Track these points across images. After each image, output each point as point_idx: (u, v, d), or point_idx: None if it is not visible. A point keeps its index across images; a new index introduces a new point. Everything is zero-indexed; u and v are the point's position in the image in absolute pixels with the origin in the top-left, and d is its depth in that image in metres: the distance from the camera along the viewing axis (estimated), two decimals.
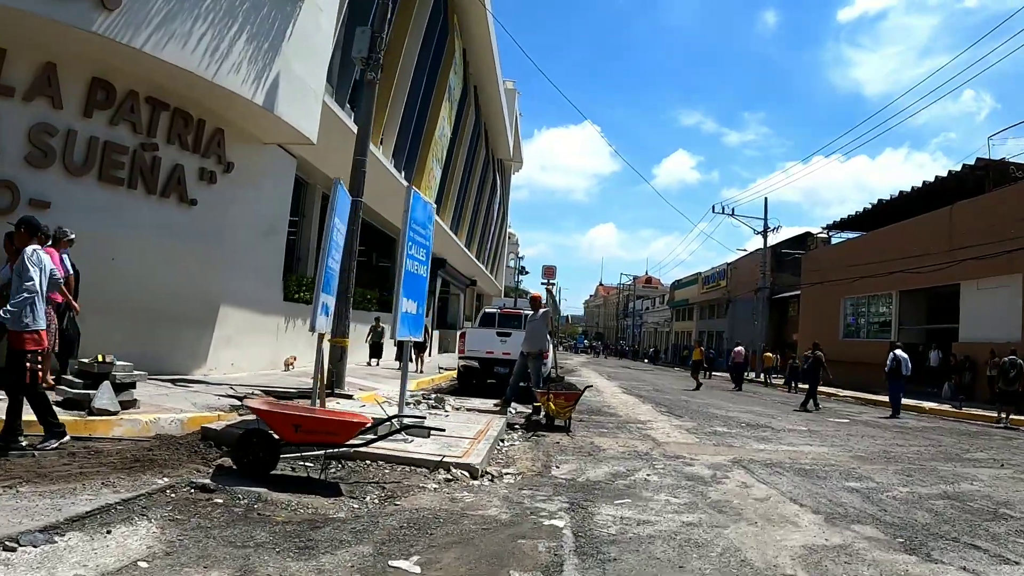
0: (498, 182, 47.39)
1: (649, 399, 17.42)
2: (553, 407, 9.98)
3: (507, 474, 6.70)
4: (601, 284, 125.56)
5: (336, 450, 6.17)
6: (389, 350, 22.03)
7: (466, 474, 6.32)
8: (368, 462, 6.51)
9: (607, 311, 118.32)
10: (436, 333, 31.69)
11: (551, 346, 15.30)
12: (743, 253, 44.68)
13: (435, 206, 8.83)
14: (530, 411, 11.19)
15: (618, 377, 28.37)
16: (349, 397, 11.60)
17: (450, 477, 6.18)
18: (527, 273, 78.16)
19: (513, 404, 12.24)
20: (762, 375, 35.63)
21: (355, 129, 17.36)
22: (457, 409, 11.03)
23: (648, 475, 7.14)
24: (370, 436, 6.22)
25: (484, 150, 38.98)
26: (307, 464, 6.21)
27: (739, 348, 28.95)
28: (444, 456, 6.58)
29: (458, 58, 28.55)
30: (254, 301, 14.31)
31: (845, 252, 33.83)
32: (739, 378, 27.41)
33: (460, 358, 14.94)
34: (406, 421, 7.10)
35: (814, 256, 37.40)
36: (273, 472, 5.70)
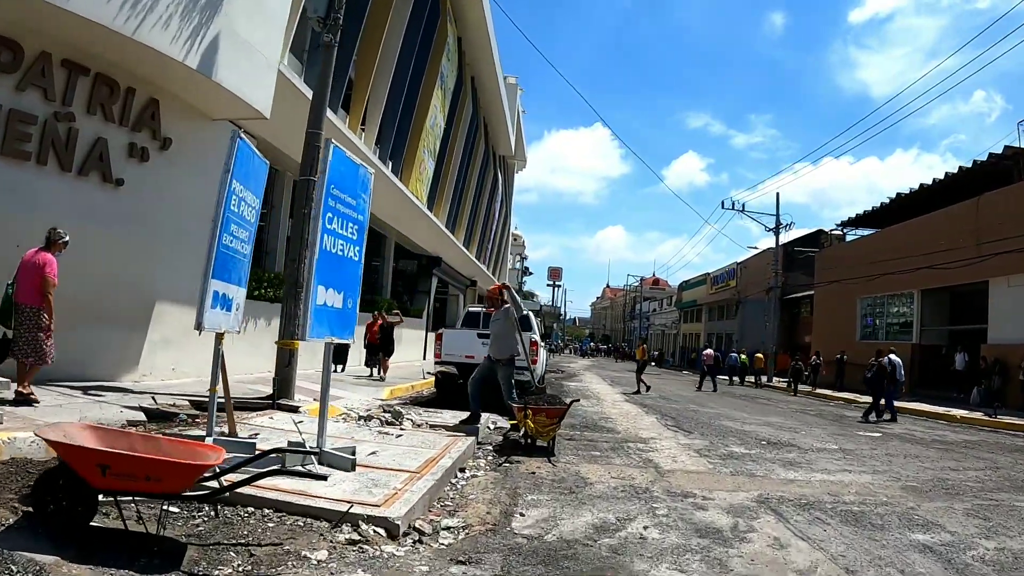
0: (499, 180, 45.44)
1: (654, 409, 15.42)
2: (532, 425, 8.02)
3: (446, 529, 4.75)
4: (608, 286, 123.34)
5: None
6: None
7: (381, 532, 4.39)
8: (251, 509, 4.59)
9: (614, 313, 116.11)
10: (431, 336, 29.73)
11: (543, 351, 13.39)
12: (754, 251, 42.55)
13: (371, 171, 6.88)
14: (509, 427, 9.28)
15: (622, 383, 26.33)
16: (295, 410, 9.70)
17: (357, 537, 4.25)
18: (531, 274, 76.17)
19: (492, 418, 10.33)
20: (774, 379, 33.73)
21: (337, 122, 15.65)
22: (418, 426, 9.09)
23: (646, 527, 5.17)
24: (238, 477, 4.30)
25: (483, 145, 37.07)
26: (171, 508, 4.32)
27: (708, 351, 28.88)
28: (357, 503, 4.65)
29: (452, 44, 26.68)
30: None
31: (862, 249, 31.68)
32: (712, 379, 26.94)
33: (436, 363, 13.00)
34: (328, 454, 5.18)
35: (828, 254, 35.26)
36: (94, 524, 3.83)
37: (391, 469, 5.98)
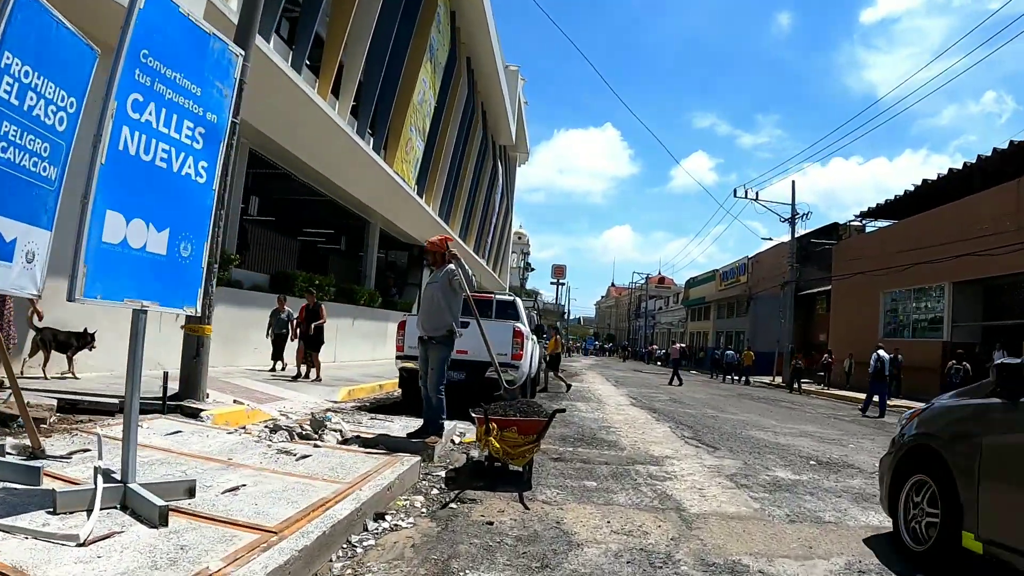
0: (500, 171, 42.86)
1: (666, 415, 12.80)
2: (498, 445, 5.46)
3: None
4: (613, 285, 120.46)
5: None
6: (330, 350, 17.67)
7: None
8: None
9: (619, 312, 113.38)
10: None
11: (532, 345, 10.96)
12: (769, 244, 39.80)
13: (238, 53, 4.31)
14: (474, 442, 6.76)
15: (628, 383, 23.75)
16: (195, 415, 7.21)
17: None
18: (532, 270, 73.60)
19: (461, 428, 7.84)
20: (789, 379, 31.18)
21: (282, 66, 13.17)
22: (346, 441, 6.52)
23: None
24: None
25: (481, 131, 34.52)
26: None
27: (677, 346, 29.65)
28: None
29: (443, 16, 24.15)
30: None
31: (885, 240, 28.90)
32: (676, 374, 26.96)
33: (397, 357, 10.45)
34: (136, 495, 2.70)
35: (848, 246, 32.48)
36: None
37: (235, 524, 3.46)
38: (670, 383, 25.05)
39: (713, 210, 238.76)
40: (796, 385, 27.87)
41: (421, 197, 25.53)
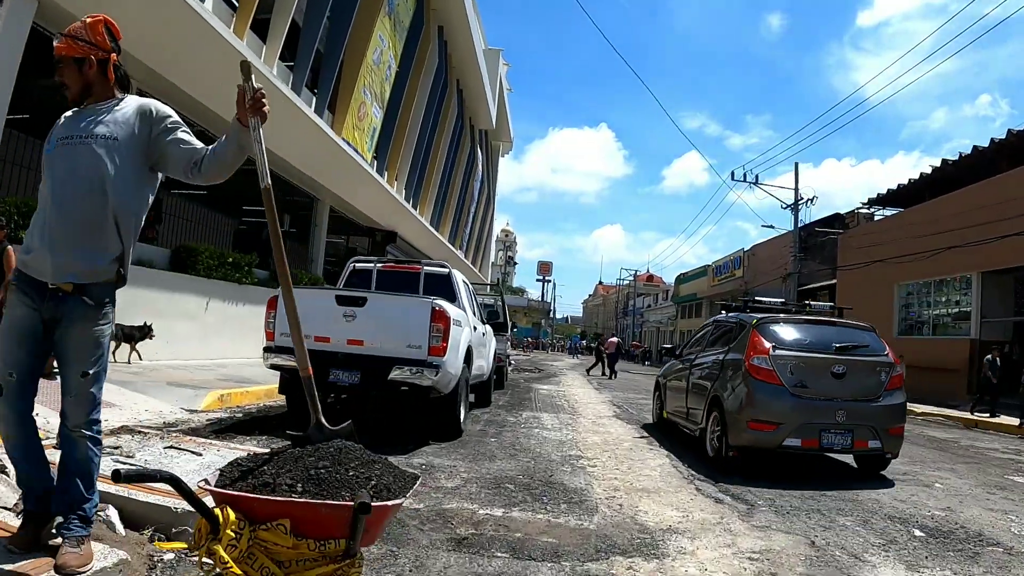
0: (479, 157, 39.39)
1: (662, 435, 9.30)
2: (229, 564, 2.04)
3: None
4: (600, 283, 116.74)
5: None
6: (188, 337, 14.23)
7: None
8: None
9: (606, 310, 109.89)
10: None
11: (466, 333, 7.73)
12: (772, 235, 36.31)
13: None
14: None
15: (611, 386, 20.28)
16: None
17: None
18: (515, 264, 70.04)
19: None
20: None
21: None
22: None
23: None
24: None
25: (456, 110, 31.04)
26: None
27: (613, 339, 29.12)
28: None
29: None
30: None
31: (901, 226, 25.45)
32: (611, 367, 26.91)
33: (265, 351, 6.94)
34: None
35: (856, 235, 28.95)
36: None
37: None
38: (608, 376, 25.50)
39: (706, 209, 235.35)
40: None
41: (382, 175, 22.06)
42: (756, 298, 9.86)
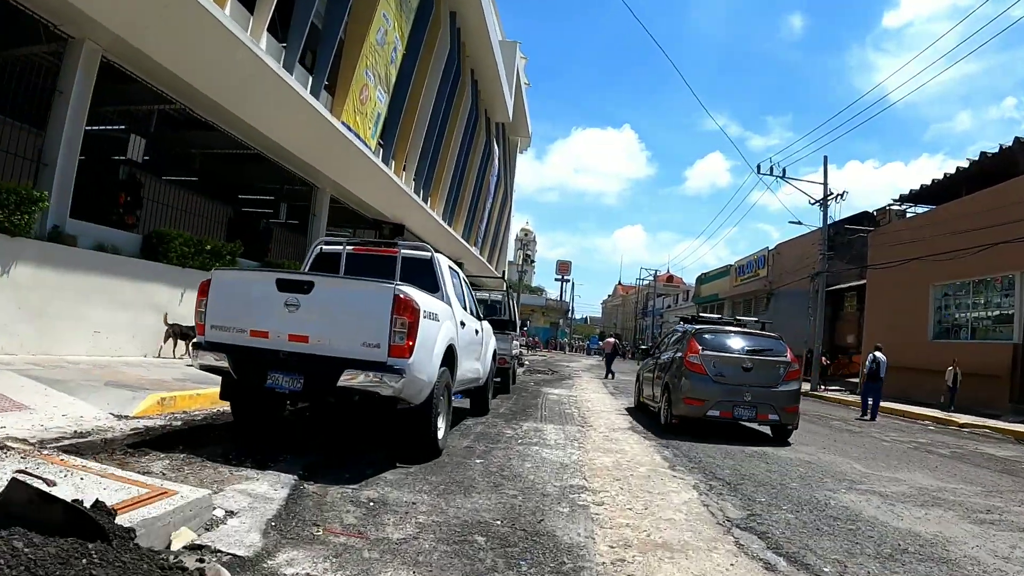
0: (495, 151, 37.93)
1: (687, 458, 7.60)
2: None
3: None
4: (620, 283, 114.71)
5: None
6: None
7: None
8: None
9: (625, 310, 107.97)
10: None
11: (445, 327, 6.33)
12: (796, 231, 34.51)
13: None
14: None
15: (629, 390, 18.66)
16: None
17: None
18: (533, 262, 68.36)
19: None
20: (820, 386, 26.25)
21: None
22: None
23: None
24: None
25: (470, 101, 29.61)
26: None
27: (610, 339, 29.73)
28: None
29: None
30: None
31: (936, 224, 23.54)
32: (608, 368, 26.79)
33: (194, 347, 5.56)
34: None
35: (888, 232, 27.21)
36: None
37: None
38: (605, 376, 25.44)
39: (726, 210, 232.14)
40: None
41: (388, 164, 20.72)
42: (701, 315, 15.68)
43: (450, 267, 7.43)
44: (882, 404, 19.20)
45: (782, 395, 9.62)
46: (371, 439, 6.76)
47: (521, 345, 25.28)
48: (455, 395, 7.57)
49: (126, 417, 6.51)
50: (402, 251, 6.88)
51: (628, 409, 12.87)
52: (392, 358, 5.05)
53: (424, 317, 5.32)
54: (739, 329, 10.89)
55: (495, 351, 10.05)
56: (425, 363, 5.41)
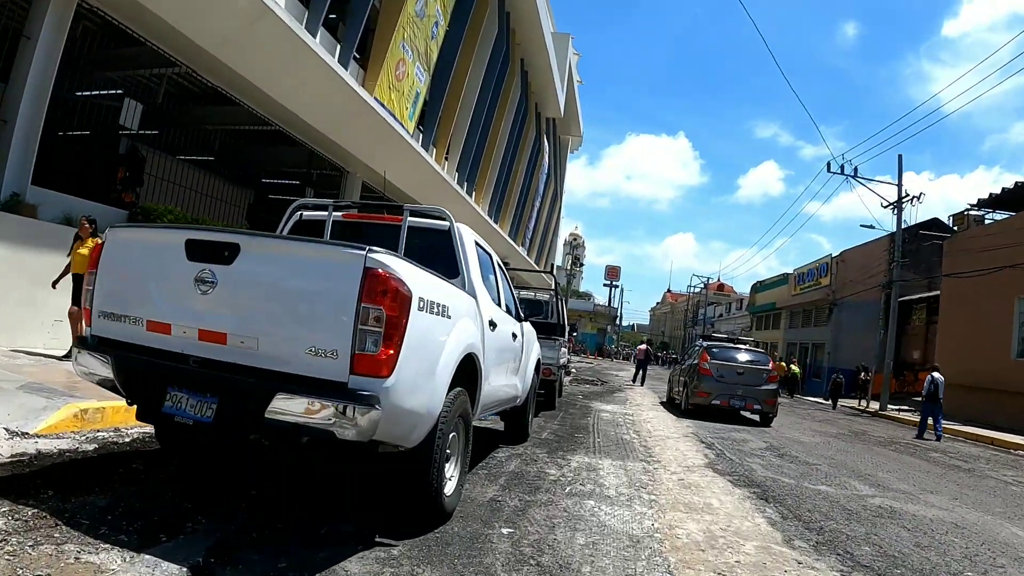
0: (545, 147, 35.82)
1: (799, 520, 5.47)
2: None
3: None
4: (669, 290, 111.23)
5: None
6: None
7: None
8: None
9: (674, 319, 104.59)
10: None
11: (464, 330, 3.97)
12: (866, 236, 31.56)
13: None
14: None
15: (694, 411, 16.07)
16: None
17: None
18: (581, 266, 65.78)
19: None
20: (869, 401, 23.62)
21: None
22: None
23: None
24: None
25: (519, 91, 27.63)
26: None
27: (642, 346, 28.25)
28: None
29: None
30: None
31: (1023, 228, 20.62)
32: (643, 373, 25.62)
33: (76, 347, 3.67)
34: None
35: (965, 239, 24.20)
36: None
37: None
38: (633, 382, 24.80)
39: (782, 220, 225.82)
40: (834, 403, 25.11)
41: (428, 150, 18.84)
42: (714, 333, 22.31)
43: (478, 244, 5.24)
44: (954, 427, 16.72)
45: (764, 392, 13.47)
46: (347, 482, 4.75)
47: (569, 352, 23.00)
48: (483, 415, 5.51)
49: (24, 435, 4.65)
50: (409, 219, 4.72)
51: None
52: (358, 376, 2.96)
53: (420, 309, 3.23)
54: (736, 345, 15.26)
55: (538, 361, 7.89)
56: (420, 384, 3.30)
